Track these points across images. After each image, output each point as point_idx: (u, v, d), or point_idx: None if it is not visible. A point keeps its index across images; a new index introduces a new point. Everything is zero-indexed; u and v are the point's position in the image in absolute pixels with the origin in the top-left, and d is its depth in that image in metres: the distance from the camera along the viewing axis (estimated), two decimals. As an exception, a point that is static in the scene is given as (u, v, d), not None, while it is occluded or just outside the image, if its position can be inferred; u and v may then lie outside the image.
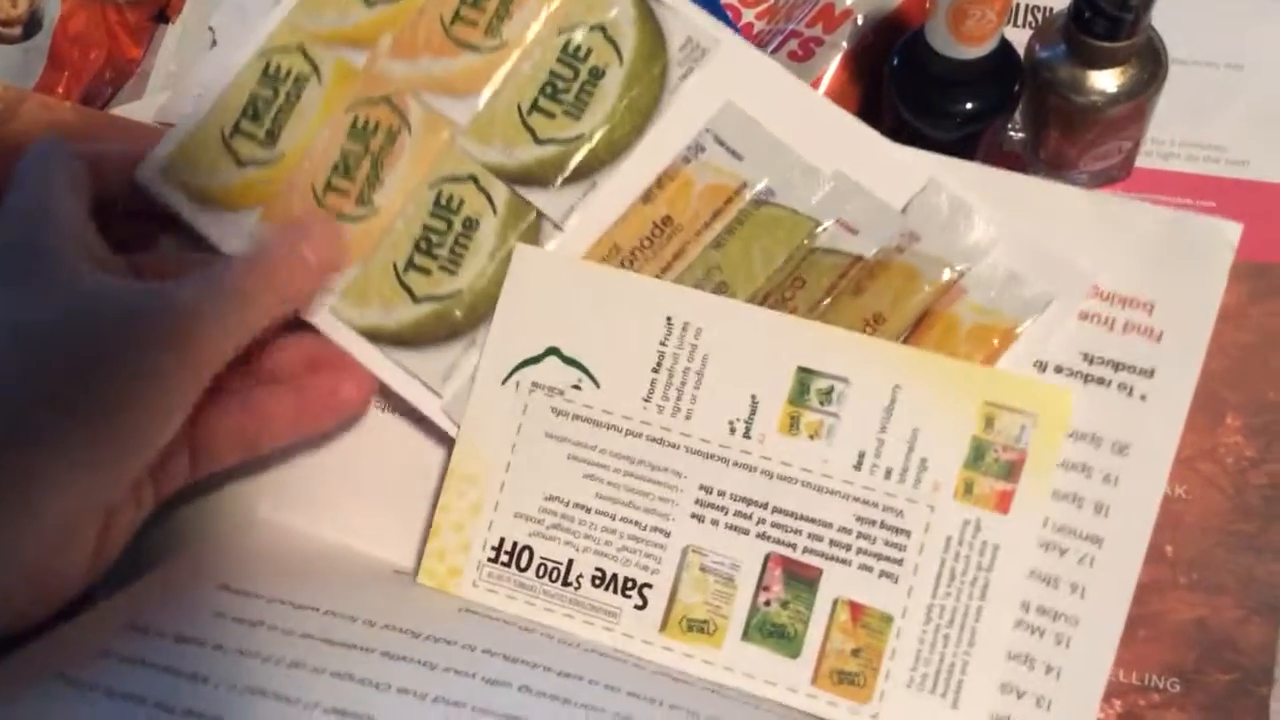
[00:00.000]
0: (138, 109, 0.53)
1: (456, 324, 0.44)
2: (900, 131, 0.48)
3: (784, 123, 0.43)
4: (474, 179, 0.44)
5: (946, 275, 0.42)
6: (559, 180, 0.44)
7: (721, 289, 0.43)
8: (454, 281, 0.44)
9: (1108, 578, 0.40)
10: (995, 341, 0.41)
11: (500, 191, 0.44)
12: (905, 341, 0.42)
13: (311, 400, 0.43)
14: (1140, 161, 0.51)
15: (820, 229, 0.43)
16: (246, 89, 0.45)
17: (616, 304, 0.43)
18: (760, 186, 0.43)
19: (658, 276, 0.43)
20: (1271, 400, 0.42)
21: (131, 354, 0.35)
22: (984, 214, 0.42)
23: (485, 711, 0.35)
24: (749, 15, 0.52)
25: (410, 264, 0.44)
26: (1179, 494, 0.42)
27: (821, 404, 0.41)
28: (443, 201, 0.44)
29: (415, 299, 0.44)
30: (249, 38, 0.46)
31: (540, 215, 0.44)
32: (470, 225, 0.44)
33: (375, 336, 0.44)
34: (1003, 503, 0.40)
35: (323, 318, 0.44)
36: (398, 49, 0.45)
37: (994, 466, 0.40)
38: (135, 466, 0.36)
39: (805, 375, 0.41)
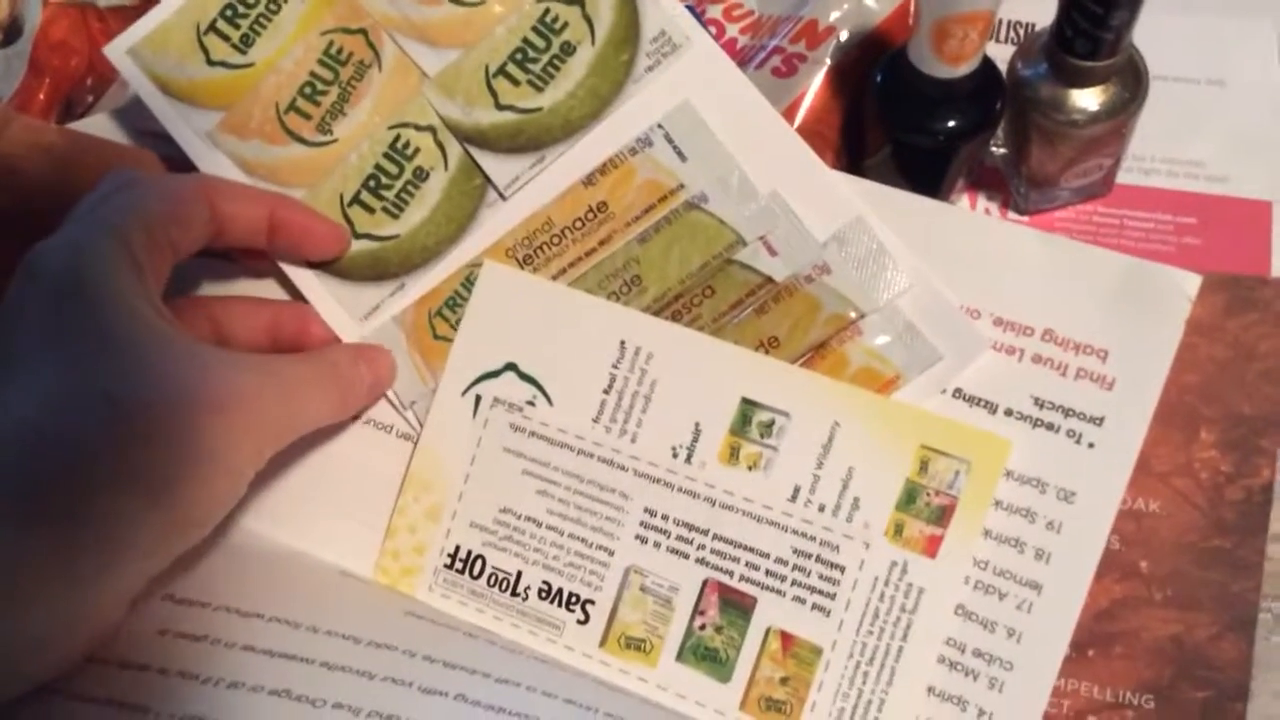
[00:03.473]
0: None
1: (388, 266, 0.41)
2: (883, 146, 0.43)
3: (734, 133, 0.40)
4: (432, 130, 0.41)
5: (847, 313, 0.38)
6: (510, 148, 0.41)
7: (635, 282, 0.39)
8: (394, 225, 0.41)
9: (1044, 624, 0.36)
10: (875, 388, 0.37)
11: (454, 149, 0.41)
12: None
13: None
14: (1121, 178, 0.45)
15: (742, 244, 0.39)
16: None
17: (573, 324, 0.39)
18: (696, 191, 0.39)
19: (580, 260, 0.40)
20: (1246, 414, 0.38)
21: (196, 432, 0.32)
22: (900, 262, 0.38)
23: None
24: (733, 30, 0.46)
25: (356, 199, 0.41)
26: (1153, 509, 0.37)
27: (762, 436, 0.37)
28: (399, 145, 0.41)
29: (355, 234, 0.41)
30: None
31: (487, 180, 0.41)
32: (420, 175, 0.41)
33: (310, 261, 0.41)
34: (931, 547, 0.36)
35: None
36: None
37: (925, 510, 0.36)
38: (193, 540, 0.33)
39: (748, 407, 0.37)
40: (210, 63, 0.41)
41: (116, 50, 0.41)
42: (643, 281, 0.39)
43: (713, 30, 0.46)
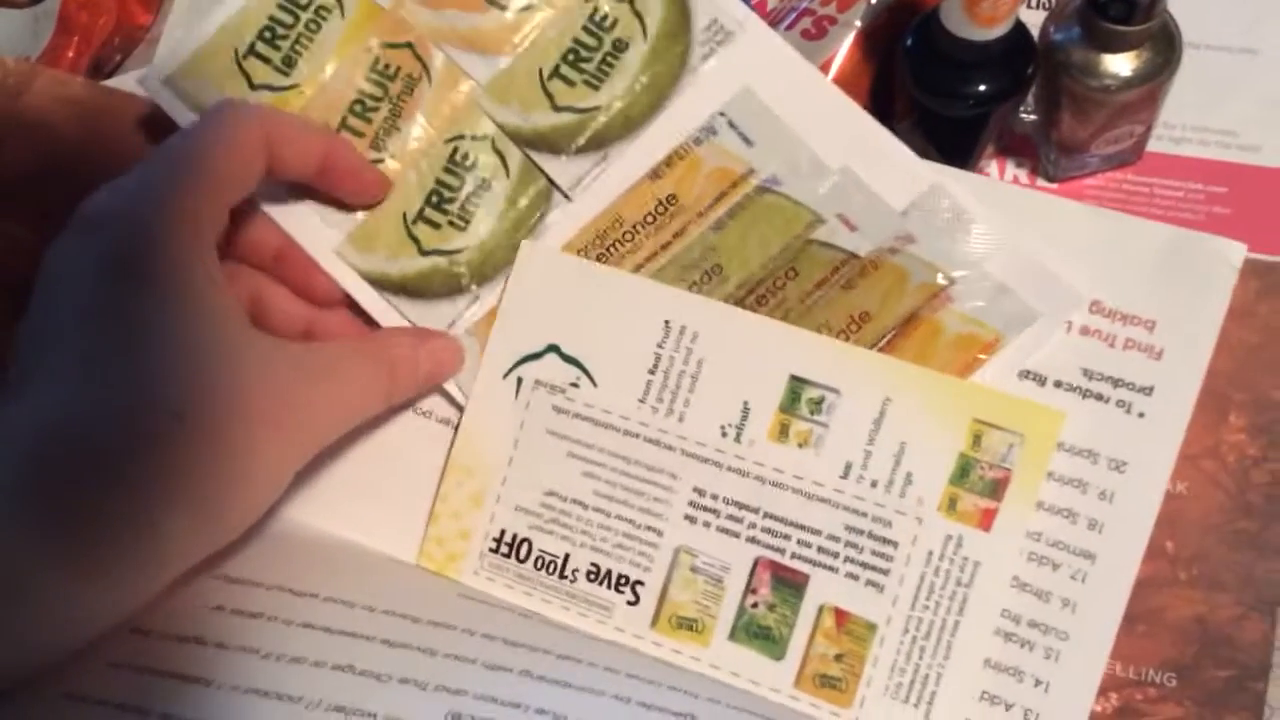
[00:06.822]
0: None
1: (460, 280, 0.39)
2: (912, 111, 0.41)
3: (798, 113, 0.38)
4: (490, 140, 0.39)
5: (936, 280, 0.36)
6: (572, 149, 0.39)
7: (716, 271, 0.38)
8: (462, 238, 0.39)
9: (1099, 593, 0.35)
10: (977, 352, 0.36)
11: (514, 155, 0.39)
12: (889, 343, 0.36)
13: None
14: (1151, 145, 0.44)
15: (820, 222, 0.37)
16: (265, 11, 0.40)
17: (616, 304, 0.38)
18: (766, 174, 0.38)
19: (656, 254, 0.38)
20: (1276, 399, 0.37)
21: (241, 444, 0.30)
22: (984, 224, 0.36)
23: (487, 699, 0.31)
24: (762, -7, 0.44)
25: (420, 216, 0.39)
26: (1180, 491, 0.37)
27: (812, 413, 0.35)
28: (458, 158, 0.39)
29: (422, 251, 0.39)
30: None
31: (550, 183, 0.39)
32: (482, 185, 0.39)
33: (379, 283, 0.39)
34: (985, 520, 0.34)
35: (328, 259, 0.39)
36: None
37: (979, 484, 0.35)
38: (226, 541, 0.32)
39: (797, 384, 0.36)
40: (253, 87, 0.39)
41: (153, 83, 0.39)
42: (724, 270, 0.37)
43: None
